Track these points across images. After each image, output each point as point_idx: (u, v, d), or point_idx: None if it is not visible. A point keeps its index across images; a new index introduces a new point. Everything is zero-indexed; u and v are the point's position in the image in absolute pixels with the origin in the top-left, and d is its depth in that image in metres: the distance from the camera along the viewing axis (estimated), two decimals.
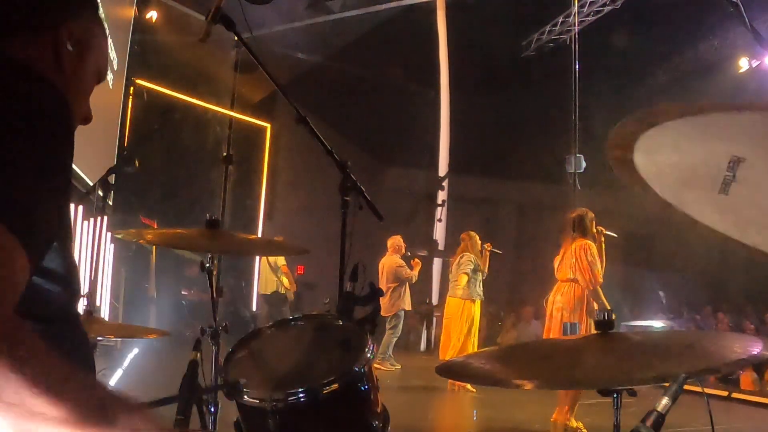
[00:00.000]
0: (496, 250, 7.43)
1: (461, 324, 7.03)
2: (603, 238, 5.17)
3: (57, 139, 0.84)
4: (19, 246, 0.73)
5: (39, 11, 0.96)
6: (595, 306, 4.91)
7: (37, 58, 0.94)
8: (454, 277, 7.13)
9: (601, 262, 5.04)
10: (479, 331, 7.43)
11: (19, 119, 0.80)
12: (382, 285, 8.01)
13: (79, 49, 0.99)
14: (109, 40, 6.76)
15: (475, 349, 6.83)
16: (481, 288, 7.14)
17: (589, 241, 5.01)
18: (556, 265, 5.20)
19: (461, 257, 7.11)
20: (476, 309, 7.11)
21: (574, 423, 4.92)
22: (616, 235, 5.34)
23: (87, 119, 1.07)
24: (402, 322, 8.33)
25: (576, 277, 4.93)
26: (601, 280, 4.93)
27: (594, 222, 5.12)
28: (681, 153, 1.15)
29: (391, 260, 8.22)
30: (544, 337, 5.18)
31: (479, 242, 7.18)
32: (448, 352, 6.95)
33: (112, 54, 7.11)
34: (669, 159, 1.17)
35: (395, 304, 8.12)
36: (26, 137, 0.80)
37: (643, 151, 1.14)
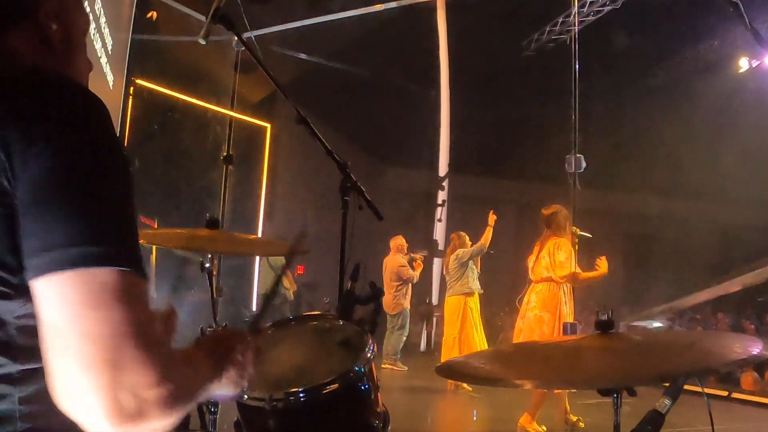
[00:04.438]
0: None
1: (457, 322, 6.99)
2: (577, 239, 5.10)
3: (120, 157, 0.86)
4: (142, 281, 0.78)
5: (14, 1, 0.94)
6: (566, 309, 4.87)
7: (28, 48, 0.93)
8: (453, 275, 7.12)
9: (575, 261, 4.99)
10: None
11: (97, 152, 0.81)
12: (385, 284, 8.06)
13: (62, 23, 0.97)
14: (109, 40, 6.74)
15: (484, 345, 6.82)
16: (478, 282, 7.12)
17: (563, 239, 4.98)
18: (530, 265, 5.16)
19: (457, 254, 7.10)
20: (473, 302, 7.07)
21: (573, 418, 4.95)
22: (590, 236, 5.28)
23: (90, 68, 1.09)
24: (408, 320, 8.37)
25: (551, 275, 4.91)
26: (575, 270, 4.89)
27: (569, 220, 5.07)
28: None
29: (393, 260, 8.29)
30: (515, 337, 5.11)
31: (469, 242, 7.19)
32: (446, 352, 6.92)
33: (112, 54, 7.10)
34: None
35: (398, 302, 8.18)
36: (114, 165, 0.83)
37: None
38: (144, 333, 0.75)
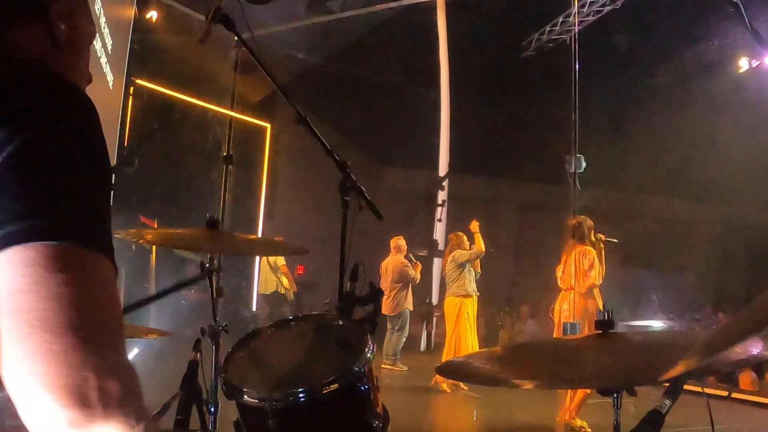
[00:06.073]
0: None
1: (456, 322, 7.01)
2: (603, 245, 5.24)
3: (102, 148, 0.83)
4: (110, 264, 0.75)
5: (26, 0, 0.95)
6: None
7: (36, 47, 0.93)
8: (451, 276, 7.12)
9: (602, 267, 5.11)
10: (478, 329, 7.42)
11: (70, 138, 0.79)
12: (386, 285, 8.02)
13: (70, 24, 0.98)
14: (109, 40, 6.74)
15: (476, 347, 6.84)
16: (475, 284, 7.15)
17: (587, 247, 5.09)
18: (559, 274, 5.24)
19: (454, 255, 7.11)
20: (470, 305, 7.08)
21: (578, 422, 4.94)
22: (616, 241, 5.42)
23: (89, 81, 1.08)
24: (408, 322, 8.34)
25: (573, 282, 5.00)
26: (597, 282, 5.00)
27: (593, 229, 5.23)
28: None
29: (395, 260, 8.23)
30: None
31: (467, 242, 7.20)
32: (445, 353, 6.94)
33: (112, 54, 7.10)
34: None
35: (399, 303, 8.15)
36: (82, 156, 0.79)
37: None
38: (78, 315, 0.67)
